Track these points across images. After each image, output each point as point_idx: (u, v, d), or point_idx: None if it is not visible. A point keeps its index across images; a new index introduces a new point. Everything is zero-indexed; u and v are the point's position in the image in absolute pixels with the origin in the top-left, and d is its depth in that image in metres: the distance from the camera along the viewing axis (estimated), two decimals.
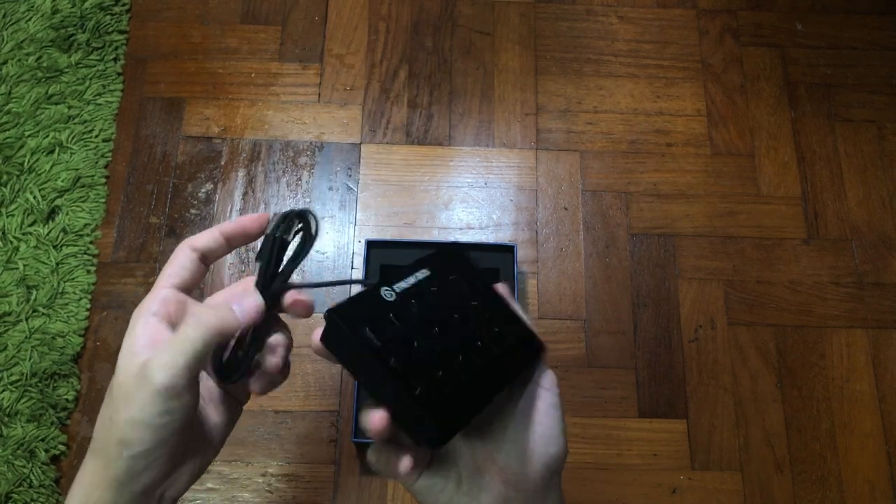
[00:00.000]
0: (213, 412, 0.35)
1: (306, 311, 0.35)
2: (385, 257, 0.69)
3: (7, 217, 0.73)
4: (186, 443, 0.32)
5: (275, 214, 0.34)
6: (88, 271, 0.72)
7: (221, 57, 0.82)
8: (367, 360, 0.29)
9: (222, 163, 0.78)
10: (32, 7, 0.81)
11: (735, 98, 0.82)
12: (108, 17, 0.81)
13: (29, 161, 0.75)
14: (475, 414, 0.30)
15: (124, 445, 0.29)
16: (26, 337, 0.69)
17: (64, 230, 0.73)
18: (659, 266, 0.75)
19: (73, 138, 0.76)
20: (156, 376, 0.29)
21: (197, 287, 0.36)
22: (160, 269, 0.35)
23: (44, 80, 0.78)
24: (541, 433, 0.32)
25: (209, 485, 0.66)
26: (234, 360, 0.34)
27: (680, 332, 0.73)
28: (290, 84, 0.81)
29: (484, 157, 0.79)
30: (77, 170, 0.75)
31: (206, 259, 0.35)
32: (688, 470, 0.69)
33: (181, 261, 0.34)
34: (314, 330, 0.30)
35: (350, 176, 0.78)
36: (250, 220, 0.35)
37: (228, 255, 0.67)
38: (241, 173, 0.77)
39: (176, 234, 0.75)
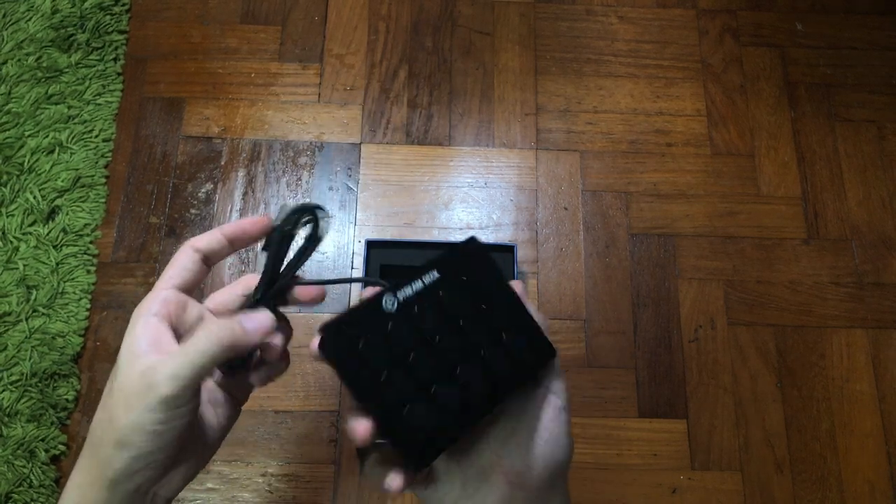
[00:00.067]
0: (211, 413, 0.35)
1: (314, 301, 0.35)
2: (385, 257, 0.69)
3: (7, 217, 0.73)
4: (185, 445, 0.32)
5: (282, 206, 0.34)
6: (88, 271, 0.72)
7: (221, 57, 0.82)
8: (359, 374, 0.29)
9: (222, 163, 0.78)
10: (32, 7, 0.81)
11: (735, 98, 0.82)
12: (108, 17, 0.81)
13: (29, 161, 0.75)
14: (465, 432, 0.30)
15: (123, 447, 0.29)
16: (26, 337, 0.69)
17: (64, 230, 0.73)
18: (659, 266, 0.75)
19: (73, 138, 0.76)
20: (161, 386, 0.29)
21: (198, 287, 0.35)
22: (160, 269, 0.35)
23: (44, 80, 0.78)
24: (547, 438, 0.32)
25: (209, 485, 0.66)
26: None
27: (680, 332, 0.73)
28: (290, 84, 0.81)
29: (484, 157, 0.79)
30: (77, 170, 0.75)
31: (209, 260, 0.35)
32: (688, 470, 0.69)
33: (183, 261, 0.34)
34: (314, 337, 0.30)
35: (350, 176, 0.78)
36: (251, 223, 0.35)
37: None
38: (241, 173, 0.77)
39: (176, 234, 0.75)
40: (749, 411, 0.71)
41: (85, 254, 0.73)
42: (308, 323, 0.71)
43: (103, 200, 0.75)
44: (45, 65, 0.78)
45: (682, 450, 0.69)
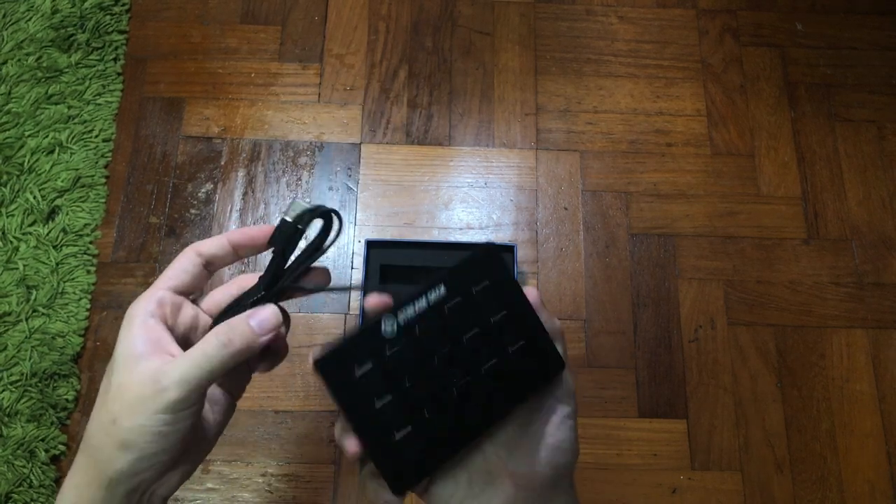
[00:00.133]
0: (209, 411, 0.35)
1: (318, 287, 0.36)
2: (385, 257, 0.69)
3: (7, 217, 0.73)
4: (188, 446, 0.32)
5: (294, 201, 0.34)
6: (88, 271, 0.72)
7: (221, 57, 0.82)
8: (352, 401, 0.29)
9: (222, 163, 0.78)
10: (32, 7, 0.81)
11: (735, 98, 0.82)
12: (108, 17, 0.81)
13: (29, 161, 0.75)
14: (456, 454, 0.31)
15: (126, 449, 0.29)
16: (26, 337, 0.69)
17: (64, 230, 0.73)
18: (659, 266, 0.75)
19: (73, 138, 0.76)
20: (171, 390, 0.29)
21: (198, 291, 0.35)
22: (160, 269, 0.35)
23: (44, 80, 0.78)
24: (552, 444, 0.32)
25: (209, 485, 0.66)
26: None
27: (680, 332, 0.73)
28: (289, 84, 0.81)
29: (484, 157, 0.79)
30: (77, 170, 0.75)
31: (211, 265, 0.35)
32: (688, 470, 0.69)
33: (183, 264, 0.34)
34: (312, 351, 0.30)
35: (350, 176, 0.78)
36: (258, 231, 0.35)
37: None
38: (241, 173, 0.77)
39: (176, 234, 0.75)
40: (749, 411, 0.71)
41: (85, 254, 0.73)
42: (308, 323, 0.71)
43: (103, 200, 0.75)
44: (45, 65, 0.78)
45: (682, 450, 0.69)
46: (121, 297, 0.72)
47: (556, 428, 0.32)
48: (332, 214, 0.34)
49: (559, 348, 0.32)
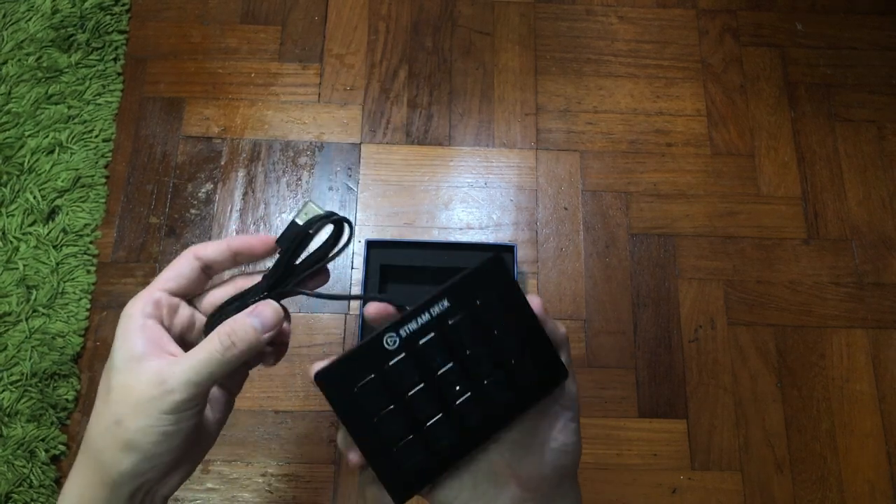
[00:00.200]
0: (209, 409, 0.35)
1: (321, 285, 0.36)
2: (385, 257, 0.69)
3: (7, 217, 0.73)
4: (190, 446, 0.32)
5: (306, 202, 0.34)
6: (88, 271, 0.72)
7: (221, 57, 0.82)
8: (353, 415, 0.30)
9: (222, 163, 0.78)
10: (32, 7, 0.81)
11: (735, 98, 0.82)
12: (108, 17, 0.81)
13: (29, 161, 0.75)
14: (456, 462, 0.31)
15: (131, 450, 0.29)
16: (26, 337, 0.69)
17: (64, 230, 0.73)
18: (659, 266, 0.75)
19: (73, 138, 0.76)
20: (177, 391, 0.29)
21: (195, 294, 0.35)
22: (160, 269, 0.35)
23: (44, 80, 0.78)
24: (556, 447, 0.32)
25: (209, 485, 0.66)
26: None
27: (680, 332, 0.73)
28: (289, 84, 0.81)
29: (484, 157, 0.79)
30: (77, 170, 0.75)
31: (210, 270, 0.35)
32: (688, 470, 0.69)
33: (181, 267, 0.34)
34: (312, 365, 0.31)
35: (350, 176, 0.78)
36: (259, 241, 0.34)
37: None
38: (241, 173, 0.77)
39: (176, 234, 0.75)
40: (749, 411, 0.71)
41: (85, 254, 0.73)
42: (308, 323, 0.71)
43: (103, 200, 0.75)
44: (45, 65, 0.78)
45: (682, 450, 0.69)
46: (121, 297, 0.72)
47: (558, 431, 0.32)
48: (344, 223, 0.34)
49: (563, 356, 0.32)
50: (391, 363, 0.30)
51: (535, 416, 0.32)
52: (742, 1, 0.87)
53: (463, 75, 0.82)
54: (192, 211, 0.76)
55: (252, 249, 0.34)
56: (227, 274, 0.37)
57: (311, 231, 0.33)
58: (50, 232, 0.73)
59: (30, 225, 0.73)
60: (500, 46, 0.84)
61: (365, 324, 0.67)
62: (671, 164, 0.79)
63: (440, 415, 0.31)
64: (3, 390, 0.67)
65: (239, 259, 0.35)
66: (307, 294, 0.35)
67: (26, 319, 0.69)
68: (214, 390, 0.36)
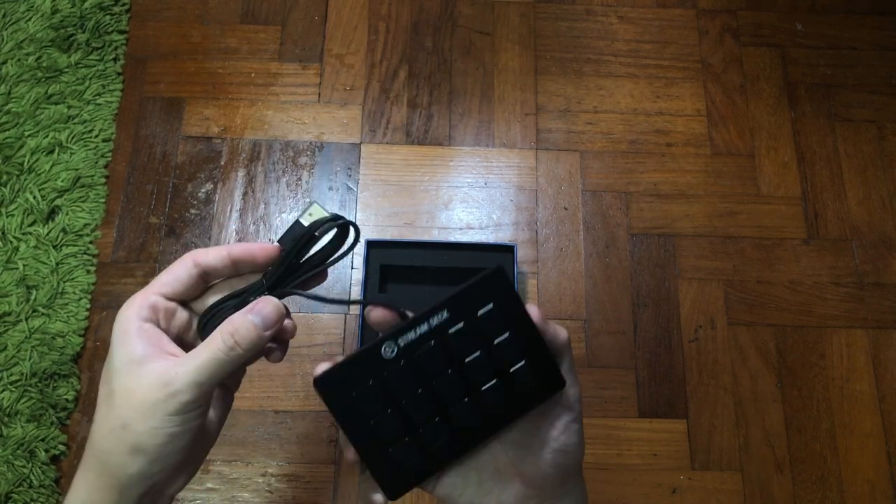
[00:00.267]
0: (210, 407, 0.35)
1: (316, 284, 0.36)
2: (385, 257, 0.69)
3: (7, 217, 0.73)
4: (196, 445, 0.32)
5: (312, 202, 0.34)
6: (88, 271, 0.72)
7: (221, 57, 0.82)
8: (350, 419, 0.31)
9: (222, 163, 0.78)
10: (32, 7, 0.81)
11: (735, 98, 0.82)
12: (108, 17, 0.81)
13: (29, 161, 0.75)
14: (451, 462, 0.32)
15: (139, 453, 0.29)
16: (26, 337, 0.69)
17: (64, 230, 0.73)
18: (659, 266, 0.75)
19: (72, 138, 0.76)
20: (183, 393, 0.29)
21: (192, 299, 0.35)
22: (160, 269, 0.35)
23: (44, 80, 0.78)
24: (557, 448, 0.32)
25: (209, 485, 0.66)
26: None
27: (680, 332, 0.73)
28: (289, 84, 0.81)
29: (484, 157, 0.79)
30: (77, 170, 0.75)
31: (208, 276, 0.34)
32: (688, 470, 0.69)
33: (178, 273, 0.33)
34: (317, 365, 0.31)
35: (350, 176, 0.78)
36: (260, 249, 0.34)
37: None
38: (241, 173, 0.77)
39: (176, 234, 0.75)
40: (749, 411, 0.71)
41: (85, 254, 0.73)
42: (308, 323, 0.71)
43: (103, 200, 0.75)
44: (45, 65, 0.78)
45: (682, 450, 0.69)
46: (121, 297, 0.72)
47: (560, 432, 0.32)
48: (351, 227, 0.34)
49: (566, 360, 0.33)
50: (389, 371, 0.30)
51: (537, 417, 0.33)
52: (742, 1, 0.87)
53: (463, 75, 0.82)
54: (192, 211, 0.76)
55: (253, 258, 0.34)
56: None
57: (316, 234, 0.33)
58: (50, 232, 0.73)
59: (30, 225, 0.73)
60: (500, 46, 0.84)
61: (365, 325, 0.67)
62: (671, 164, 0.79)
63: (435, 420, 0.31)
64: (3, 390, 0.67)
65: (240, 267, 0.34)
66: (305, 296, 0.35)
67: (26, 319, 0.69)
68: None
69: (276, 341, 0.35)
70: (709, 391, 0.71)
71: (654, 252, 0.76)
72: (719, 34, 0.85)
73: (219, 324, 0.32)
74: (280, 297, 0.34)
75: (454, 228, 0.76)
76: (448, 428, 0.31)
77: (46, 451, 0.66)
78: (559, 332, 0.32)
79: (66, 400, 0.68)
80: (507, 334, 0.31)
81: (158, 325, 0.32)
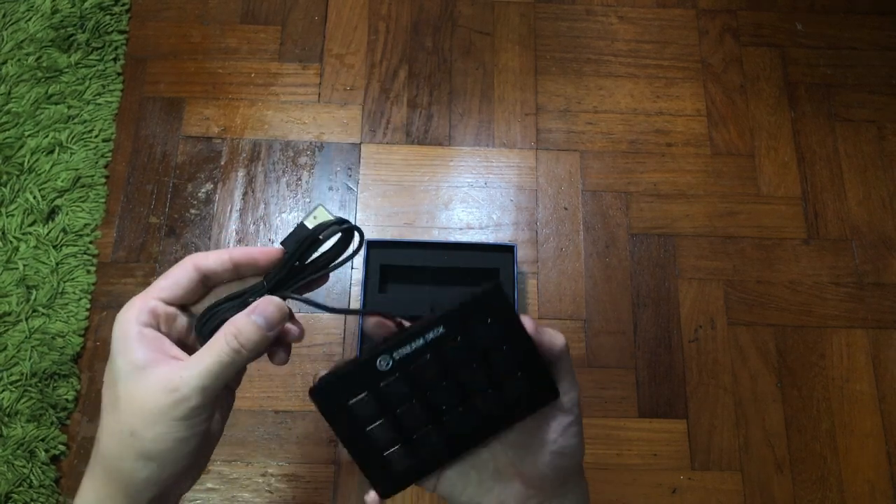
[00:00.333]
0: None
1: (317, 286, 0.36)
2: (385, 257, 0.69)
3: (7, 217, 0.73)
4: (202, 448, 0.32)
5: (318, 205, 0.34)
6: (88, 271, 0.72)
7: (221, 57, 0.82)
8: (345, 427, 0.31)
9: (222, 163, 0.78)
10: (32, 7, 0.81)
11: (735, 98, 0.82)
12: (108, 17, 0.81)
13: (29, 161, 0.75)
14: (446, 464, 0.33)
15: (148, 458, 0.29)
16: (26, 337, 0.69)
17: (64, 230, 0.73)
18: (659, 266, 0.75)
19: (72, 138, 0.76)
20: (191, 398, 0.29)
21: (192, 304, 0.34)
22: (160, 270, 0.35)
23: (44, 80, 0.78)
24: (556, 450, 0.32)
25: (209, 485, 0.66)
26: None
27: (680, 332, 0.73)
28: (289, 84, 0.81)
29: (484, 157, 0.79)
30: (77, 170, 0.75)
31: (209, 281, 0.34)
32: (688, 470, 0.69)
33: (178, 278, 0.33)
34: (318, 373, 0.32)
35: (350, 176, 0.78)
36: (261, 254, 0.34)
37: None
38: (241, 173, 0.77)
39: (176, 234, 0.75)
40: (749, 411, 0.71)
41: (85, 254, 0.73)
42: (308, 323, 0.71)
43: (103, 200, 0.75)
44: (45, 65, 0.78)
45: (682, 450, 0.69)
46: (121, 297, 0.72)
47: (559, 434, 0.32)
48: (355, 231, 0.34)
49: (564, 365, 0.33)
50: (384, 383, 0.31)
51: (536, 419, 0.33)
52: (742, 1, 0.87)
53: (463, 75, 0.82)
54: (192, 211, 0.76)
55: (255, 261, 0.34)
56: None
57: (320, 237, 0.33)
58: (50, 232, 0.73)
59: (30, 225, 0.73)
60: (500, 46, 0.84)
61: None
62: (671, 164, 0.79)
63: (429, 428, 0.32)
64: (3, 390, 0.67)
65: (241, 271, 0.34)
66: (303, 301, 0.34)
67: (26, 319, 0.69)
68: None
69: (279, 343, 0.35)
70: (709, 391, 0.71)
71: (654, 252, 0.76)
72: (719, 34, 0.85)
73: (218, 325, 0.31)
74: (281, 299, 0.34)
75: (454, 228, 0.76)
76: (442, 434, 0.32)
77: (46, 451, 0.66)
78: (555, 339, 0.32)
79: (66, 400, 0.68)
80: (502, 349, 0.31)
81: (159, 330, 0.32)
